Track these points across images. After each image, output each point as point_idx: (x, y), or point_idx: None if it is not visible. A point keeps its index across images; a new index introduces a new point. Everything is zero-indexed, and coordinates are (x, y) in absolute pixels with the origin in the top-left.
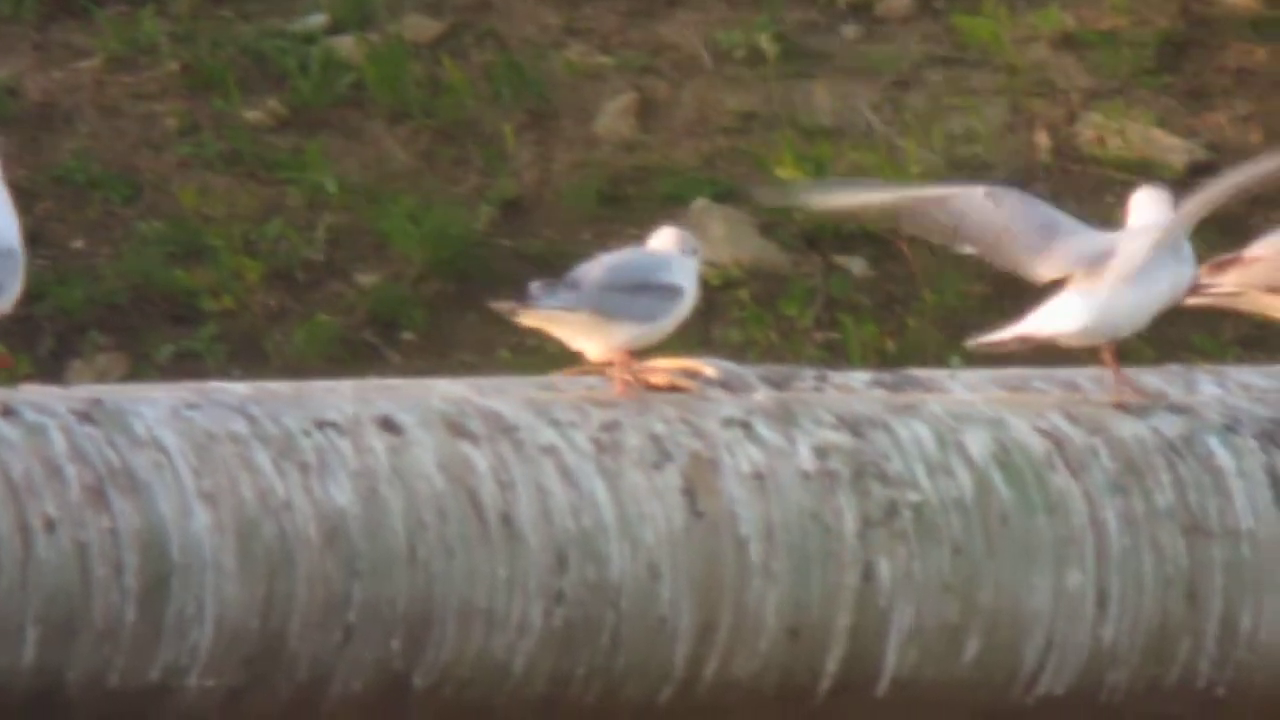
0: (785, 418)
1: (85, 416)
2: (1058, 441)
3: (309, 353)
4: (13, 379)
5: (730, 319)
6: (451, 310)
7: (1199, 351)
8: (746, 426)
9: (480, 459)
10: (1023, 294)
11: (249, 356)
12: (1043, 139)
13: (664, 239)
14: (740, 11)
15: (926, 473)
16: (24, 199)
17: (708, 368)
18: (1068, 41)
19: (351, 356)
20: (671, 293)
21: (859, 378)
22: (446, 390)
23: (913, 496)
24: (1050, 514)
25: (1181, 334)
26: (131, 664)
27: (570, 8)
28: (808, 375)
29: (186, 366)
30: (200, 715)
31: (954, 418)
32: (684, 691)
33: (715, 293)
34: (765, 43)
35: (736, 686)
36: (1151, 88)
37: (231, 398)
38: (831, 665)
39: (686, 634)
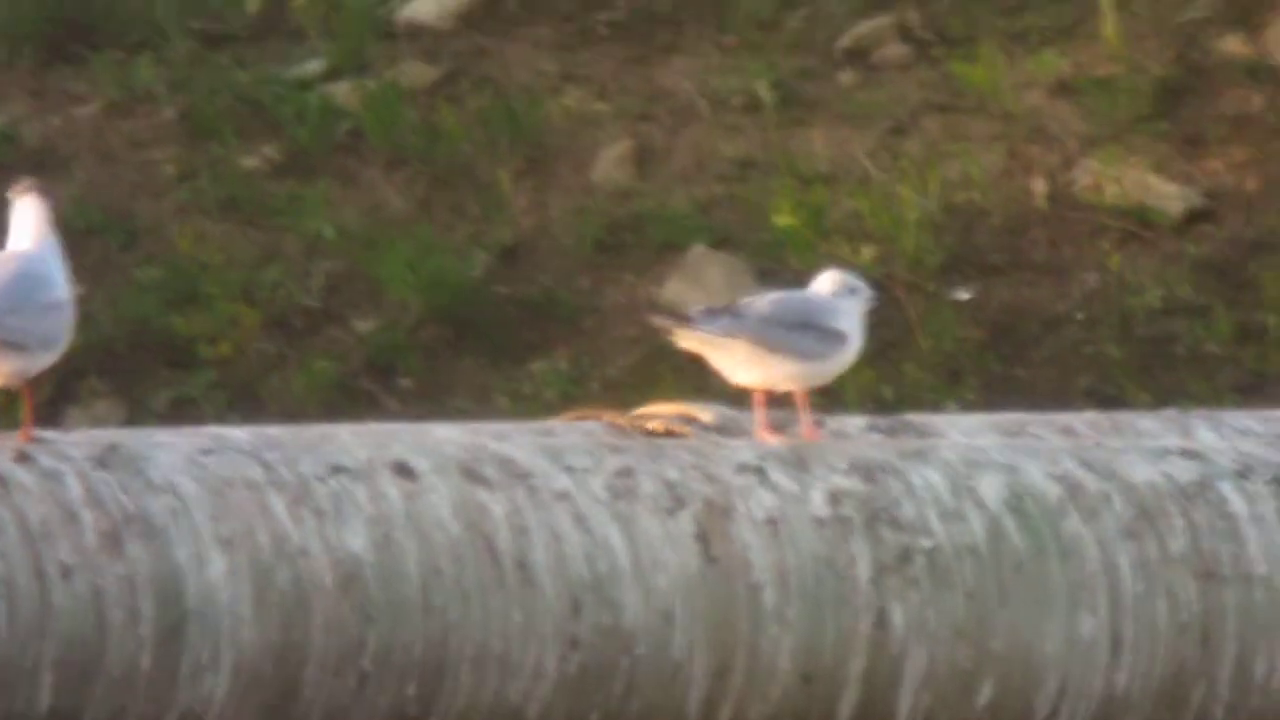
0: (798, 463)
1: (101, 462)
2: (1071, 487)
3: (306, 399)
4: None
5: None
6: (448, 356)
7: (1194, 398)
8: (760, 472)
9: (495, 505)
10: (1019, 338)
11: (246, 403)
12: (1039, 185)
13: (826, 282)
14: (737, 59)
15: (939, 518)
16: None
17: (705, 413)
18: (1064, 88)
19: (349, 403)
20: (835, 337)
21: (855, 423)
22: (456, 436)
23: (925, 542)
24: (1063, 559)
25: (1178, 380)
26: (147, 710)
27: (567, 54)
28: (790, 420)
29: (184, 413)
30: None
31: (966, 464)
32: None
33: None
34: (762, 90)
35: None
36: (1148, 134)
37: (246, 444)
38: (845, 711)
39: (700, 679)
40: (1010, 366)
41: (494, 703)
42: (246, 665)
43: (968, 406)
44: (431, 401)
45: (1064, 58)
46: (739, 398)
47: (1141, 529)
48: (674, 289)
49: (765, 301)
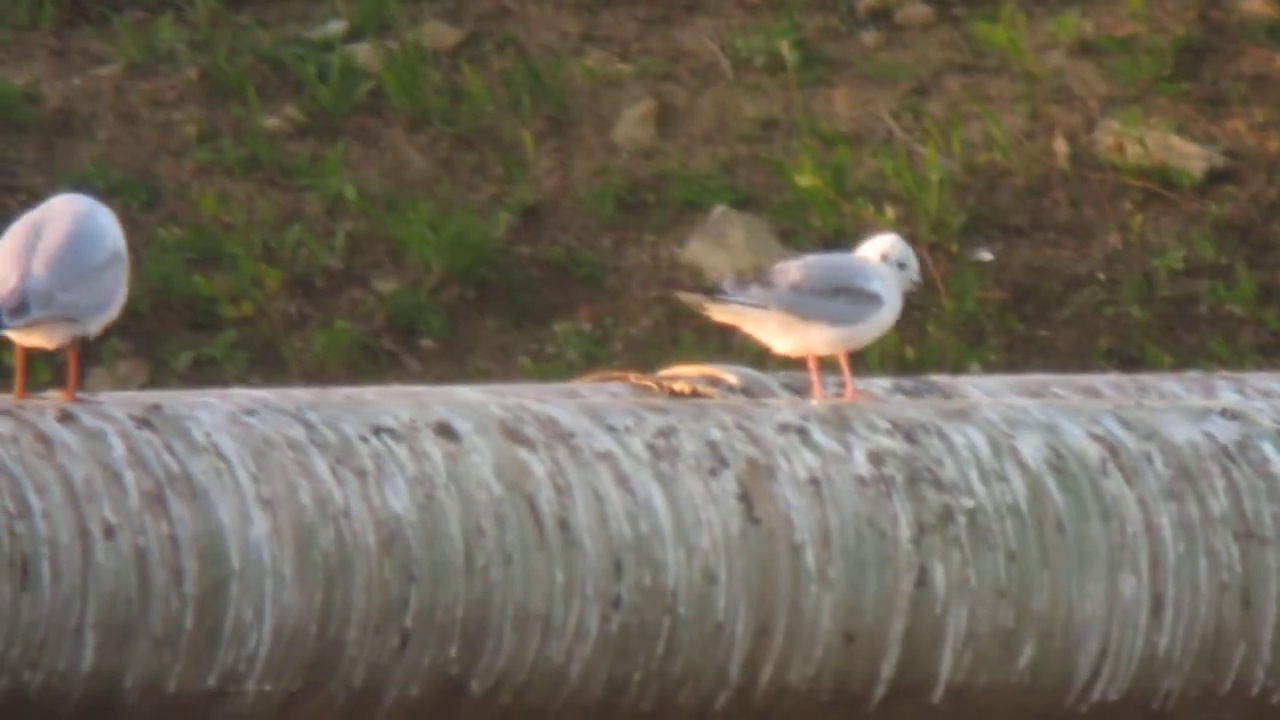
0: (840, 423)
1: (144, 422)
2: (1112, 447)
3: (328, 360)
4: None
5: None
6: (470, 317)
7: (1216, 358)
8: (802, 432)
9: (537, 465)
10: (1041, 300)
11: (268, 363)
12: (1061, 146)
13: (877, 246)
14: (759, 18)
15: (980, 478)
16: None
17: (730, 375)
18: (1086, 49)
19: (370, 363)
20: (869, 300)
21: (879, 384)
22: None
23: (967, 502)
24: (1105, 520)
25: (1200, 341)
26: (190, 669)
27: (589, 15)
28: (829, 382)
29: (205, 374)
30: None
31: (1008, 423)
32: (739, 697)
33: None
34: (784, 50)
35: (792, 692)
36: (1170, 94)
37: (288, 404)
38: (887, 671)
39: (742, 640)
40: (1032, 327)
41: (536, 663)
42: (289, 625)
43: (989, 367)
44: (453, 362)
45: (1086, 18)
46: (761, 359)
47: (1183, 489)
48: (696, 249)
49: (796, 266)
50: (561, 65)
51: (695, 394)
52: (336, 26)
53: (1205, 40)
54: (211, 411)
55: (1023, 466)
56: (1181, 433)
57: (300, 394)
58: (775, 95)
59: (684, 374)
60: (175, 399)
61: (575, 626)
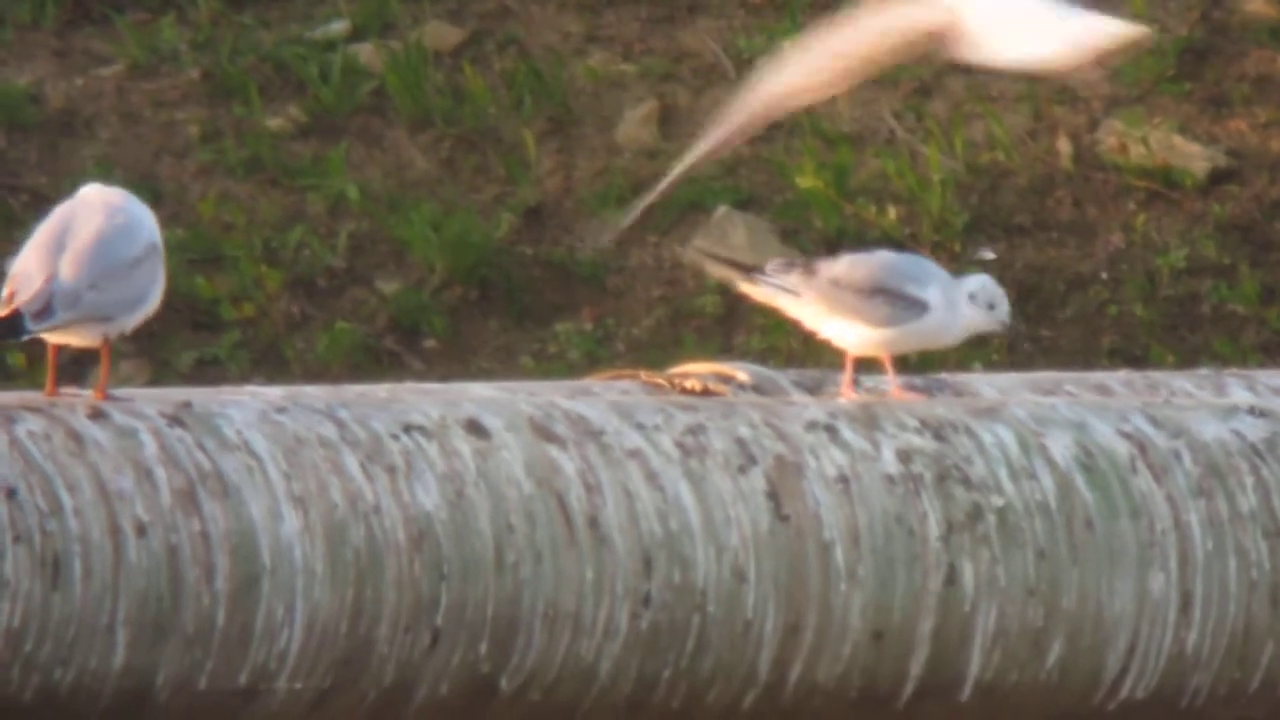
0: (869, 421)
1: (175, 420)
2: (1141, 445)
3: (330, 360)
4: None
5: (753, 326)
6: (473, 317)
7: (1219, 357)
8: (831, 430)
9: (567, 462)
10: (1044, 300)
11: (270, 364)
12: (1064, 146)
13: (969, 284)
14: (762, 19)
15: (1009, 476)
16: (44, 206)
17: (740, 372)
18: None
19: (373, 363)
20: (910, 304)
21: (889, 382)
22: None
23: (996, 500)
24: (1134, 518)
25: (1203, 340)
26: (221, 667)
27: (591, 15)
28: (838, 379)
29: (208, 374)
30: (287, 718)
31: (1037, 421)
32: (768, 695)
33: (736, 300)
34: (787, 49)
35: (820, 690)
36: (1172, 95)
37: (319, 401)
38: (915, 669)
39: (771, 638)
40: (1036, 327)
41: (565, 660)
42: (320, 623)
43: (993, 367)
44: (456, 362)
45: None
46: (762, 357)
47: (1211, 487)
48: (698, 249)
49: (849, 261)
50: (564, 65)
51: (707, 391)
52: (339, 27)
53: (1208, 41)
54: (243, 409)
55: (1052, 464)
56: (1210, 430)
57: (319, 392)
58: None
59: (695, 371)
60: (206, 396)
61: (605, 624)
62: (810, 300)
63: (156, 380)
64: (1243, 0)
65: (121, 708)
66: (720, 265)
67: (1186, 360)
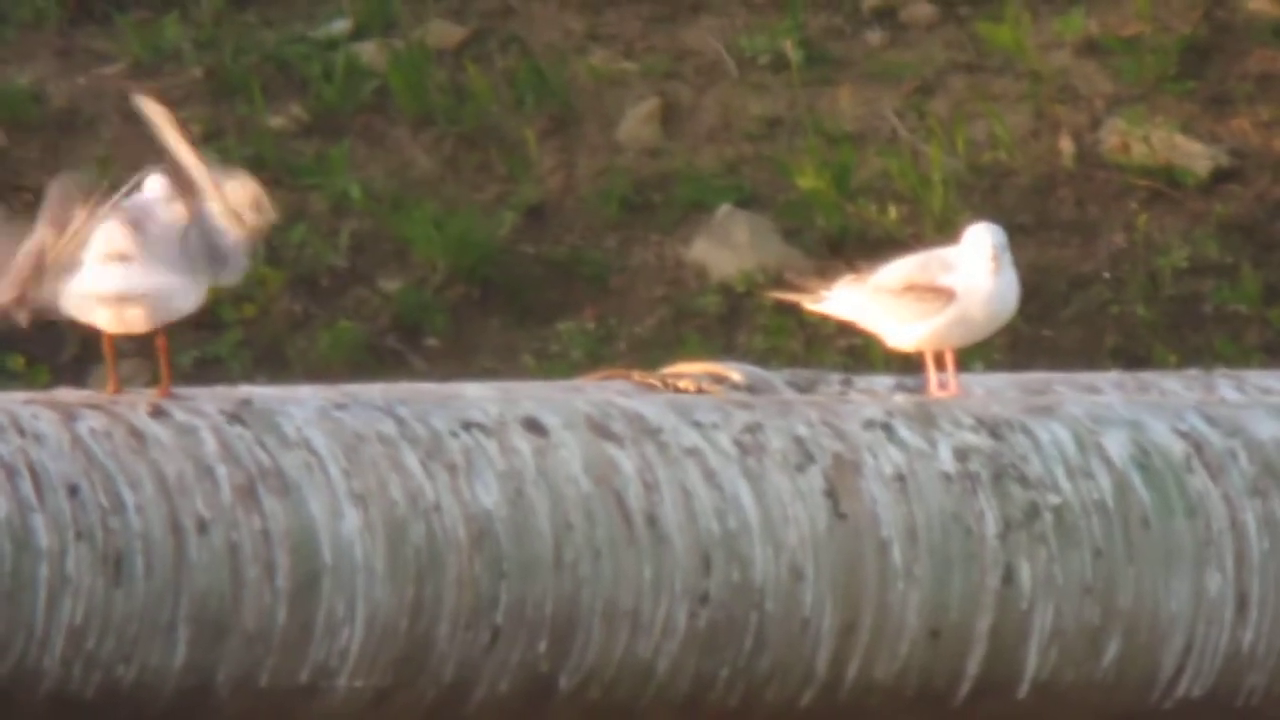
0: (925, 420)
1: (235, 417)
2: (1197, 444)
3: (332, 359)
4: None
5: (754, 325)
6: (475, 316)
7: (1221, 357)
8: (888, 428)
9: (625, 461)
10: (1046, 299)
11: (272, 363)
12: (1066, 145)
13: (966, 236)
14: (764, 17)
15: (1066, 475)
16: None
17: (734, 372)
18: (1091, 48)
19: (375, 362)
20: (937, 295)
21: (883, 382)
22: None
23: (1053, 499)
24: (1190, 517)
25: (1205, 340)
26: (282, 664)
27: (593, 13)
28: (833, 380)
29: (210, 373)
30: (347, 716)
31: (1093, 419)
32: (826, 694)
33: (738, 299)
34: (789, 49)
35: (878, 689)
36: (1175, 94)
37: (378, 398)
38: (972, 667)
39: (829, 636)
40: (1037, 326)
41: (624, 658)
42: (380, 621)
43: (993, 366)
44: (458, 361)
45: (1091, 17)
46: (764, 357)
47: (1267, 486)
48: (701, 249)
49: (888, 264)
50: (566, 64)
51: (700, 391)
52: (341, 25)
53: (1210, 40)
54: (302, 407)
55: (1108, 463)
56: (1266, 429)
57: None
58: (779, 94)
59: (688, 372)
60: (266, 394)
61: (663, 622)
62: (854, 312)
63: (157, 380)
64: None
65: (183, 705)
66: (787, 294)
67: (1188, 360)
